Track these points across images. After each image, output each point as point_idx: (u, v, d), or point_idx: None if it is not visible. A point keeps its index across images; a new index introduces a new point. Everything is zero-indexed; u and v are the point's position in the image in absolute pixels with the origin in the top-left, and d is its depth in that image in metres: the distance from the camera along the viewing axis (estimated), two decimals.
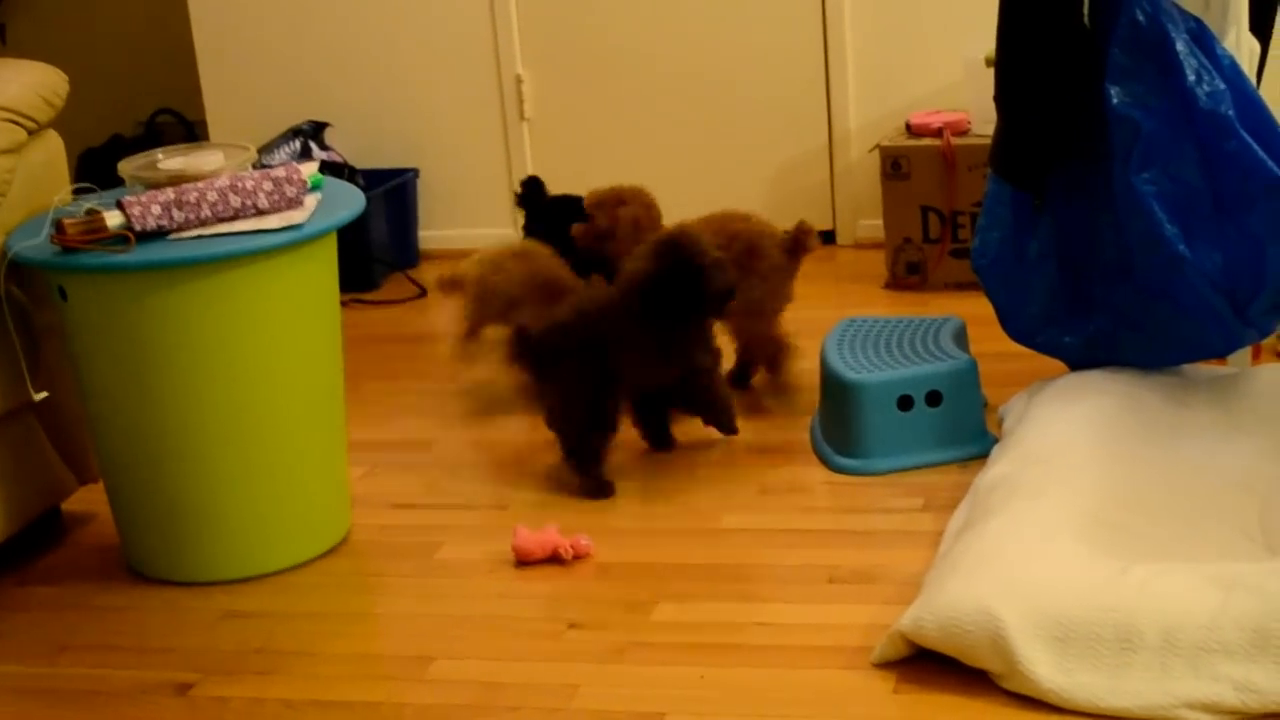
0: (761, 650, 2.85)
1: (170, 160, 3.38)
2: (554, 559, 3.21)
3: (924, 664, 2.71)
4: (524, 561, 3.22)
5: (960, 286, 4.54)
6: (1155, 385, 3.45)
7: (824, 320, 3.99)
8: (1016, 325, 3.66)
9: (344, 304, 3.51)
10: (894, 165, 4.71)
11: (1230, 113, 3.32)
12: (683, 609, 3.02)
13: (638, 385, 3.60)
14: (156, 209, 3.13)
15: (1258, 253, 3.35)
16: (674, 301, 3.50)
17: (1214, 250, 3.34)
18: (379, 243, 5.17)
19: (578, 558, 3.22)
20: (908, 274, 4.73)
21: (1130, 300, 3.44)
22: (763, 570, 3.15)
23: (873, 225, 4.91)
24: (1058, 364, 3.65)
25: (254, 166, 3.39)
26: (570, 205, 4.32)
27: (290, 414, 3.25)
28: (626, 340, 3.50)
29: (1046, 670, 2.60)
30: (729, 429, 3.66)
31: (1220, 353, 3.59)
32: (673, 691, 2.74)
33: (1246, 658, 2.54)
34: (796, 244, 3.93)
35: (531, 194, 4.59)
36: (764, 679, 2.76)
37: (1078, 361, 3.58)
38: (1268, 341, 3.81)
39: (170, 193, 3.15)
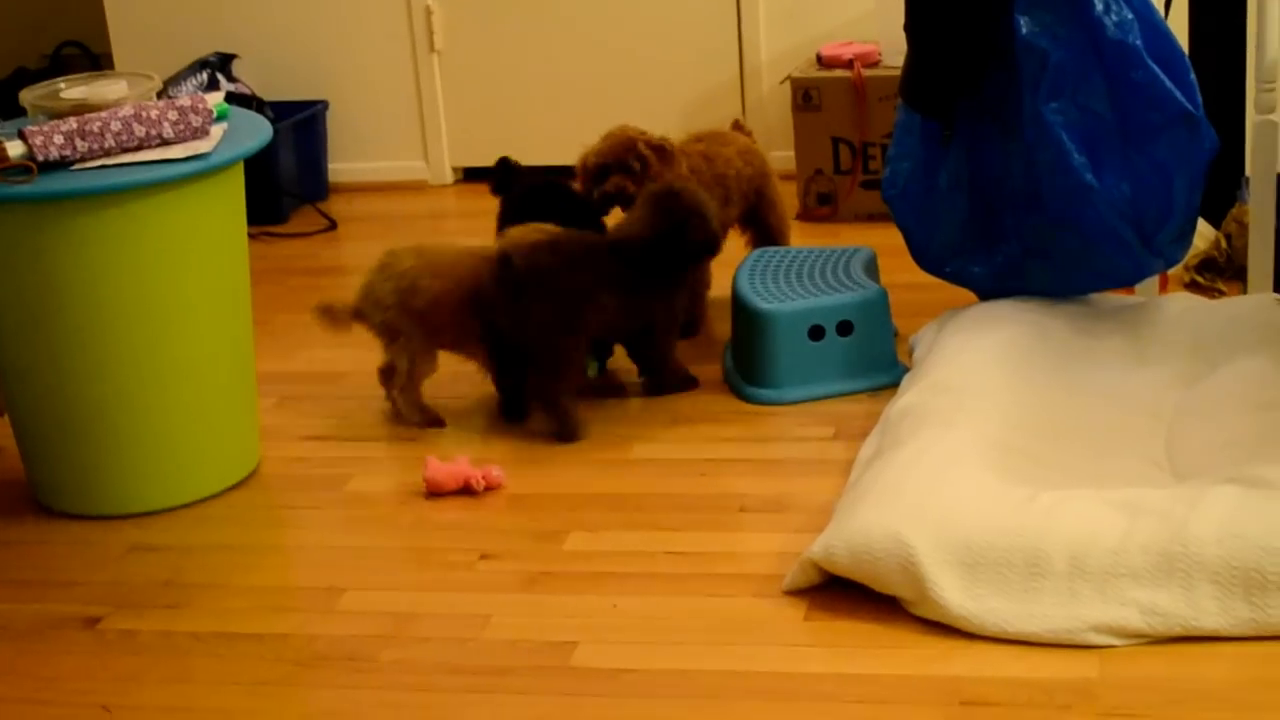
0: (673, 579, 2.85)
1: (73, 89, 3.31)
2: (465, 490, 3.19)
3: (835, 591, 2.72)
4: (435, 493, 3.19)
5: (871, 217, 4.53)
6: (1063, 314, 3.46)
7: (736, 250, 3.97)
8: (926, 255, 3.65)
9: (253, 237, 3.47)
10: (805, 97, 4.69)
11: (1138, 43, 3.32)
12: (594, 538, 3.01)
13: (600, 332, 3.54)
14: (59, 139, 3.06)
15: (1164, 182, 3.36)
16: (667, 253, 3.45)
17: (1121, 180, 3.35)
18: (288, 175, 5.10)
19: (489, 489, 3.20)
20: (819, 205, 4.72)
21: (1039, 230, 3.44)
22: (674, 499, 3.14)
23: (784, 157, 4.88)
24: (967, 294, 3.66)
25: (158, 96, 3.33)
26: (550, 191, 3.92)
27: (197, 346, 3.21)
28: (605, 287, 3.43)
29: (956, 596, 2.60)
30: (652, 390, 3.61)
31: (1128, 282, 3.60)
32: (584, 621, 2.73)
33: (1152, 582, 2.56)
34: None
35: (505, 178, 3.99)
36: (675, 607, 2.76)
37: (987, 291, 3.59)
38: (1175, 271, 3.83)
39: (73, 122, 3.09)
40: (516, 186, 3.94)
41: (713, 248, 3.55)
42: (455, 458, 3.24)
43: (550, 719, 2.48)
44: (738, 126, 4.12)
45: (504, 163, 3.98)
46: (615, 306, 3.44)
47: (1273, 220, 3.63)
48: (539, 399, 3.46)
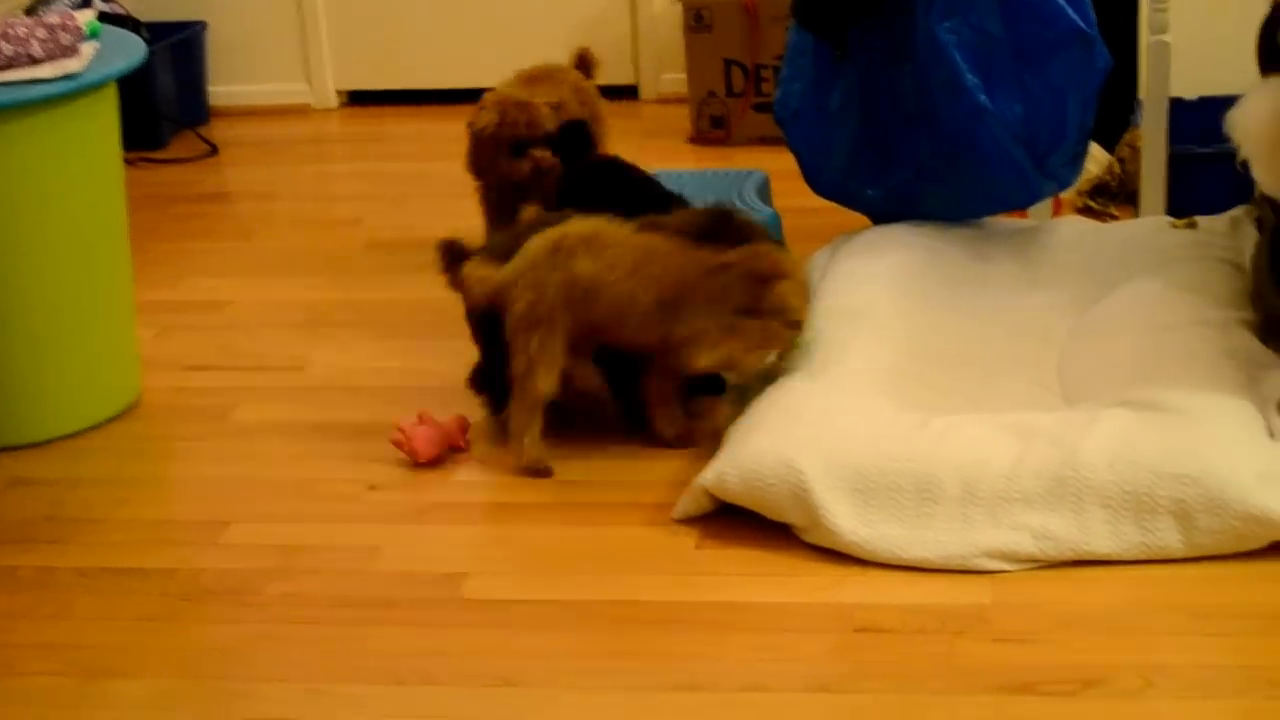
0: (564, 508, 2.86)
1: None
2: (454, 449, 3.03)
3: (726, 519, 2.73)
4: (423, 464, 3.01)
5: (764, 140, 4.53)
6: (957, 238, 3.48)
7: None
8: (819, 178, 3.66)
9: (130, 162, 3.42)
10: (697, 18, 4.68)
11: None
12: (485, 469, 3.01)
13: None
14: None
15: (1058, 104, 3.38)
16: None
17: (1014, 101, 3.37)
18: (166, 99, 5.02)
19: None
20: (712, 128, 4.72)
21: (932, 152, 3.45)
22: (566, 428, 3.14)
23: (676, 79, 4.88)
24: (861, 218, 3.67)
25: (27, 14, 3.27)
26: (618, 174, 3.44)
27: (71, 273, 3.17)
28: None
29: (849, 523, 2.62)
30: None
31: (1021, 205, 3.63)
32: (475, 551, 2.74)
33: (1044, 506, 2.59)
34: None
35: (574, 142, 3.53)
36: (567, 536, 2.77)
37: (881, 215, 3.60)
38: (1068, 195, 3.87)
39: None
40: (583, 160, 3.50)
41: None
42: (427, 417, 3.05)
43: (440, 651, 2.48)
44: (583, 59, 3.99)
45: (573, 127, 3.57)
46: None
47: (1165, 143, 3.67)
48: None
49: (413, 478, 2.98)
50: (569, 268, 2.92)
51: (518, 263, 2.94)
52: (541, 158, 3.57)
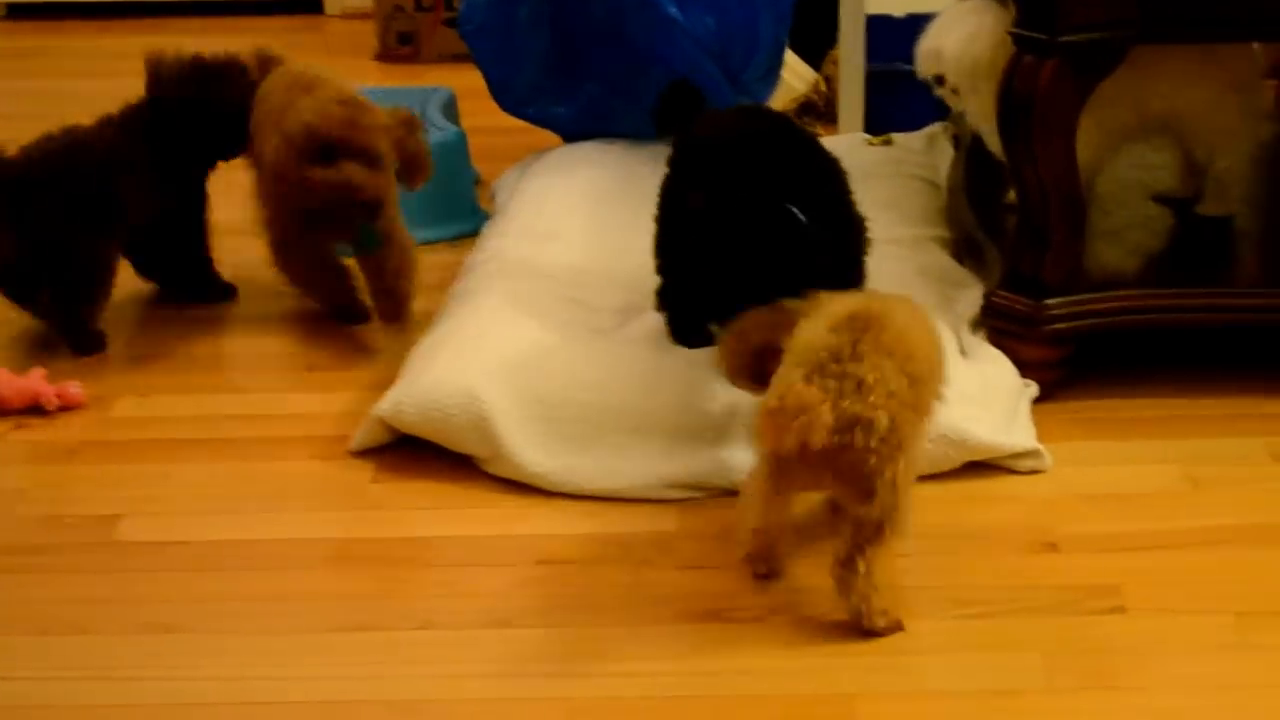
0: (232, 443, 2.79)
1: None
2: (35, 409, 2.91)
3: (404, 451, 2.69)
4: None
5: (457, 58, 4.48)
6: (648, 156, 3.46)
7: None
8: (507, 95, 3.64)
9: None
10: None
11: None
12: (145, 404, 2.93)
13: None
14: None
15: (750, 17, 3.41)
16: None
17: (705, 13, 3.38)
18: None
19: (65, 408, 2.91)
20: (400, 44, 4.66)
21: (622, 67, 3.45)
22: (236, 359, 3.08)
23: None
24: (552, 136, 3.66)
25: None
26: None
27: None
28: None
29: (532, 454, 2.60)
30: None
31: None
32: (132, 492, 2.65)
33: (726, 435, 2.59)
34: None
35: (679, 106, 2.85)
36: (234, 473, 2.70)
37: (571, 133, 3.60)
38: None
39: None
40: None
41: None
42: (29, 370, 2.97)
43: (91, 598, 2.39)
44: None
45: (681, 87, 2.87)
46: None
47: (862, 59, 3.72)
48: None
49: (64, 416, 2.88)
50: None
51: None
52: (354, 174, 2.93)
